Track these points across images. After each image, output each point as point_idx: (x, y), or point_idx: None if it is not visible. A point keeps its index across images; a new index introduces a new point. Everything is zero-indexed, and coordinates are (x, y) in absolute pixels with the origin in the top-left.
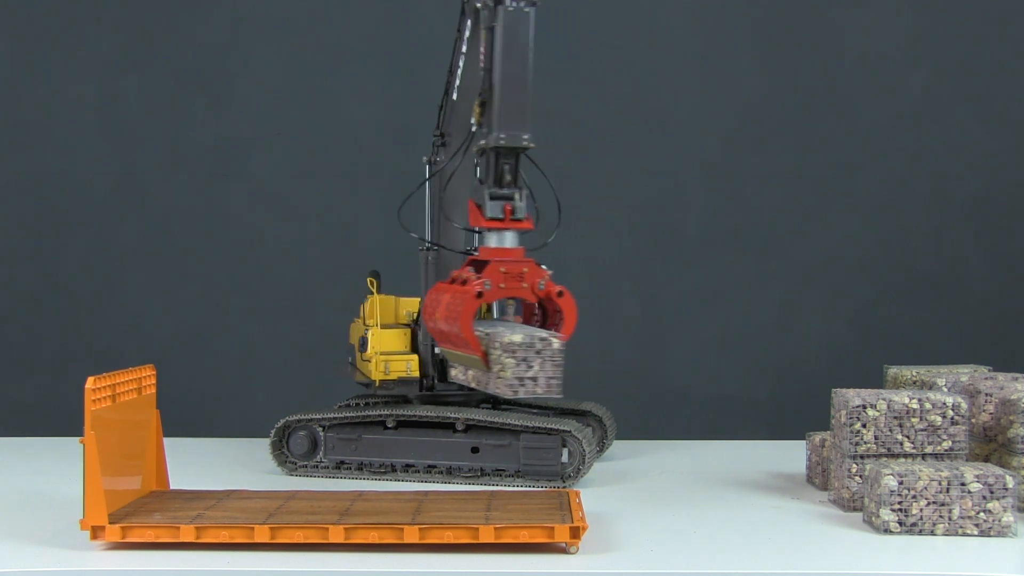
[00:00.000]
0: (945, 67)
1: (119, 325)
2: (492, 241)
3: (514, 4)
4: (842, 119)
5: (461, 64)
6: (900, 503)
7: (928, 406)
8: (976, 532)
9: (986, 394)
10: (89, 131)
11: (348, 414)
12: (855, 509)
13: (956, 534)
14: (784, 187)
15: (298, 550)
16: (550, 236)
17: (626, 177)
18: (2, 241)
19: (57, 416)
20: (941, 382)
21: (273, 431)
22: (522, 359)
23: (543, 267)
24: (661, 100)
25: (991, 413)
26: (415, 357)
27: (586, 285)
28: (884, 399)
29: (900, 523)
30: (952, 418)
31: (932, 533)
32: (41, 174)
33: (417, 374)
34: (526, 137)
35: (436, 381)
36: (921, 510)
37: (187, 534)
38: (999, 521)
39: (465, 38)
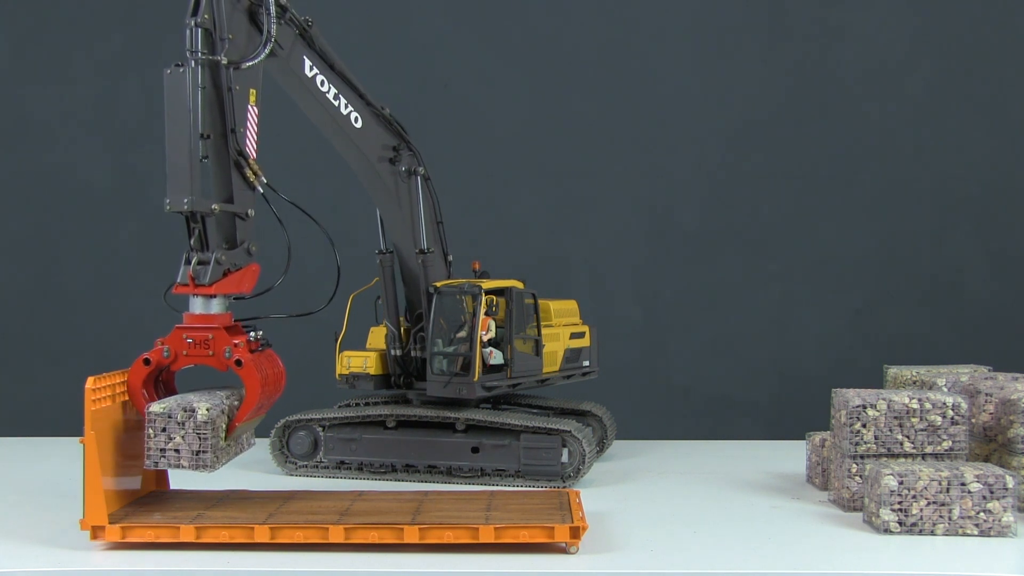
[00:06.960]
0: (945, 67)
1: (119, 325)
2: (190, 307)
3: (172, 67)
4: (842, 119)
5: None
6: (900, 503)
7: (928, 406)
8: (976, 532)
9: (986, 394)
10: (89, 131)
11: (348, 414)
12: (855, 509)
13: (956, 534)
14: (784, 187)
15: (298, 550)
16: (276, 281)
17: (627, 177)
18: (2, 241)
19: (57, 416)
20: (941, 382)
21: (273, 431)
22: (161, 429)
23: (252, 333)
24: (662, 101)
25: (991, 413)
26: (373, 355)
27: (586, 285)
28: (884, 399)
29: (900, 523)
30: (952, 418)
31: (932, 533)
32: (41, 174)
33: (374, 371)
34: (186, 200)
35: (403, 379)
36: (921, 510)
37: (187, 534)
38: (999, 521)
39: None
